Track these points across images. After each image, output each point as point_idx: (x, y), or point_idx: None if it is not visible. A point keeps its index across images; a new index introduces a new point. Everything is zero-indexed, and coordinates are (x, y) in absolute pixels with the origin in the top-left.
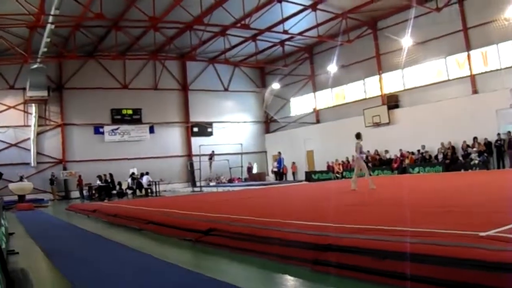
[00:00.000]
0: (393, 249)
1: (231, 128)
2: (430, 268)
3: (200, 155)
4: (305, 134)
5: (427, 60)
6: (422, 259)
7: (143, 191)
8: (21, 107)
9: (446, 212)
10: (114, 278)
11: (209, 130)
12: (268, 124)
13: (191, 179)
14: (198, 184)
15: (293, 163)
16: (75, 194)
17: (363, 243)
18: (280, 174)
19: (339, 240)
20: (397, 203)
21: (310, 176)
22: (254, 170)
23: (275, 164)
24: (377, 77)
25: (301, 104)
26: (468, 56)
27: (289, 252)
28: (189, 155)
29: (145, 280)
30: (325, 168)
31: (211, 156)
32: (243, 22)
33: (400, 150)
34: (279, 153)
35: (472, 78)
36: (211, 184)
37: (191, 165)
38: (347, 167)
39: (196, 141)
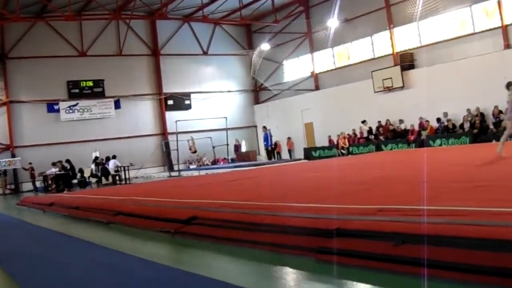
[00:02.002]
0: (413, 232)
1: (213, 100)
2: (458, 253)
3: (177, 133)
4: (302, 104)
5: (448, 10)
6: (449, 241)
7: (110, 178)
8: None
9: (475, 187)
10: (79, 281)
11: (187, 102)
12: (257, 93)
13: (167, 162)
14: (176, 167)
15: (289, 138)
16: (29, 186)
17: (376, 225)
18: (270, 152)
19: (347, 223)
20: (416, 180)
21: (309, 153)
22: (243, 149)
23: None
24: (387, 32)
25: (296, 67)
26: (499, 3)
27: (287, 240)
28: (163, 133)
29: (116, 280)
30: (327, 144)
31: (191, 145)
32: None
33: (420, 118)
34: (264, 127)
35: (504, 29)
36: (192, 167)
37: (167, 145)
38: (354, 141)
39: (171, 116)
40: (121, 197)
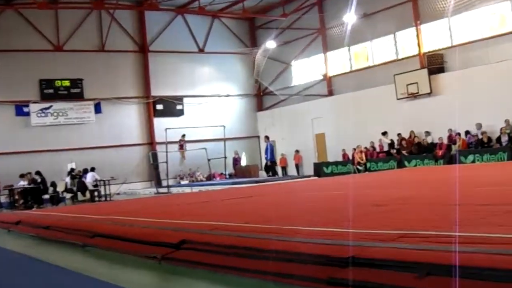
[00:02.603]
0: (439, 261)
1: (210, 105)
2: (490, 286)
3: (166, 143)
4: (313, 111)
5: (486, 4)
6: (480, 273)
7: (87, 194)
8: None
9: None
10: None
11: (179, 107)
12: (261, 98)
13: (154, 176)
14: (164, 183)
15: (297, 151)
16: None
17: (397, 254)
18: (270, 168)
19: (364, 251)
20: (444, 202)
21: (320, 169)
22: (243, 162)
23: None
24: (413, 29)
25: (306, 69)
26: None
27: (293, 269)
28: (151, 143)
29: None
30: (340, 158)
31: (182, 143)
32: None
33: (450, 130)
34: (267, 138)
35: None
36: (183, 182)
37: (154, 156)
38: (372, 156)
39: (160, 123)
40: (100, 216)
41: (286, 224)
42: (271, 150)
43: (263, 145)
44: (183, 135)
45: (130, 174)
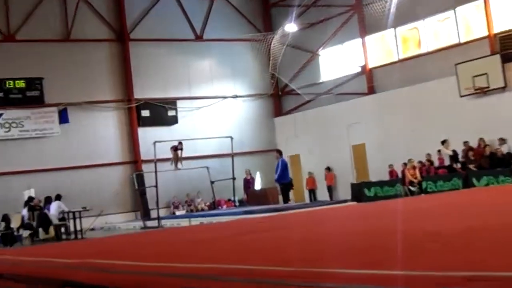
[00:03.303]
0: None
1: (212, 110)
2: None
3: (155, 161)
4: (349, 115)
5: None
6: None
7: (51, 230)
8: None
9: None
10: None
11: (171, 114)
12: (279, 99)
13: (140, 205)
14: (154, 214)
15: (328, 169)
16: None
17: None
18: (283, 191)
19: None
20: None
21: (360, 191)
22: (257, 185)
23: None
24: (479, 2)
25: (339, 60)
26: None
27: None
28: (135, 161)
29: None
30: (387, 177)
31: (177, 148)
32: None
33: None
34: (278, 152)
35: None
36: (179, 213)
37: (140, 179)
38: (429, 172)
39: (147, 135)
40: (70, 260)
41: (317, 266)
42: (282, 168)
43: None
44: (180, 143)
45: (108, 203)
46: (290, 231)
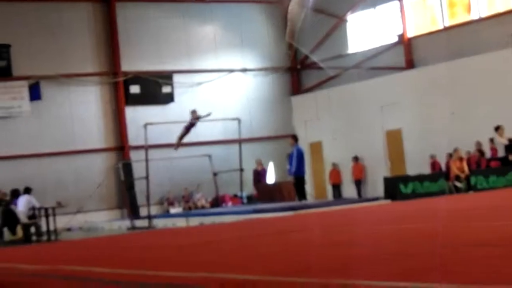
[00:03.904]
0: None
1: (216, 86)
2: None
3: (146, 147)
4: (383, 94)
5: None
6: None
7: (19, 230)
8: None
9: None
10: None
11: (166, 90)
12: (297, 74)
13: (127, 201)
14: (143, 211)
15: (356, 160)
16: None
17: None
18: (298, 186)
19: None
20: None
21: (395, 187)
22: (270, 178)
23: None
24: None
25: (371, 27)
26: None
27: None
28: (121, 147)
29: None
30: (428, 170)
31: (194, 121)
32: None
33: None
34: (293, 139)
35: None
36: (174, 211)
37: (127, 169)
38: (480, 165)
39: (137, 115)
40: (41, 267)
41: (342, 276)
42: (298, 158)
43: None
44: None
45: (88, 198)
46: (308, 235)
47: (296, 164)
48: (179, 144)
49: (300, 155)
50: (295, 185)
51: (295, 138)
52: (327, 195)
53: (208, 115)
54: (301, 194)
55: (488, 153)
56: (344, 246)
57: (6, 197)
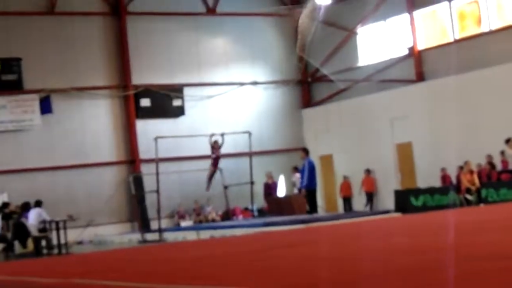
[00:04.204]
0: None
1: (226, 99)
2: None
3: (157, 160)
4: (394, 107)
5: None
6: None
7: (30, 243)
8: None
9: None
10: None
11: (177, 103)
12: (308, 87)
13: (138, 214)
14: (154, 225)
15: (368, 172)
16: None
17: None
18: (309, 199)
19: None
20: None
21: (405, 200)
22: (281, 191)
23: (298, 176)
24: None
25: (381, 40)
26: None
27: None
28: (132, 161)
29: None
30: (438, 183)
31: (216, 158)
32: None
33: None
34: (304, 152)
35: None
36: (185, 224)
37: (138, 182)
38: (490, 177)
39: (147, 128)
40: (52, 280)
41: None
42: (309, 170)
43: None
44: (213, 139)
45: (99, 211)
46: (319, 248)
47: (307, 177)
48: (209, 184)
49: (312, 168)
50: (307, 198)
51: (306, 151)
52: (338, 208)
53: (222, 136)
54: (312, 207)
55: (498, 166)
56: (355, 259)
57: (17, 211)
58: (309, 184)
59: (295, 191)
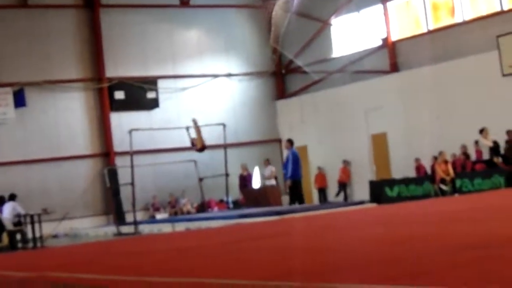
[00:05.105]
0: None
1: (201, 91)
2: None
3: (131, 153)
4: (368, 98)
5: None
6: None
7: (4, 237)
8: None
9: None
10: None
11: (151, 96)
12: (282, 78)
13: (113, 207)
14: (129, 217)
15: (345, 163)
16: None
17: None
18: (293, 191)
19: None
20: None
21: (380, 190)
22: (256, 183)
23: (271, 169)
24: None
25: (355, 31)
26: None
27: None
28: (107, 153)
29: None
30: (413, 173)
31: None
32: None
33: None
34: (289, 142)
35: None
36: (160, 216)
37: (113, 175)
38: (465, 167)
39: (121, 121)
40: (27, 274)
41: (327, 280)
42: (293, 161)
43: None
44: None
45: (73, 204)
46: (294, 239)
47: (292, 168)
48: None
49: (296, 159)
50: (291, 189)
51: (290, 142)
52: (313, 199)
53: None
54: (299, 198)
55: (473, 156)
56: (330, 250)
57: None
58: (294, 174)
59: (267, 183)
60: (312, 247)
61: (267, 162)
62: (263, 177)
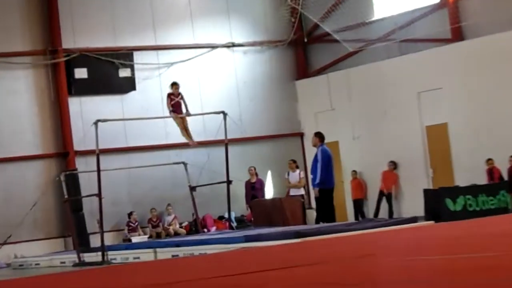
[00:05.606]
0: None
1: (192, 68)
2: None
3: (97, 152)
4: (422, 77)
5: None
6: None
7: None
8: None
9: None
10: None
11: (124, 74)
12: (303, 50)
13: (73, 228)
14: (95, 242)
15: (390, 166)
16: None
17: None
18: (323, 203)
19: None
20: None
21: (439, 202)
22: (268, 192)
23: (299, 174)
24: None
25: None
26: None
27: None
28: (65, 154)
29: None
30: (483, 179)
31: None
32: None
33: None
34: (319, 137)
35: None
36: (136, 239)
37: (72, 182)
38: None
39: (84, 108)
40: None
41: None
42: (324, 163)
43: (310, 153)
44: (174, 84)
45: (18, 223)
46: (320, 270)
47: (322, 172)
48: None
49: (328, 159)
50: (320, 201)
51: (320, 136)
52: (347, 214)
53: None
54: (328, 214)
55: None
56: (370, 286)
57: None
58: (325, 181)
59: (292, 194)
60: (346, 282)
61: (294, 165)
62: (288, 184)
